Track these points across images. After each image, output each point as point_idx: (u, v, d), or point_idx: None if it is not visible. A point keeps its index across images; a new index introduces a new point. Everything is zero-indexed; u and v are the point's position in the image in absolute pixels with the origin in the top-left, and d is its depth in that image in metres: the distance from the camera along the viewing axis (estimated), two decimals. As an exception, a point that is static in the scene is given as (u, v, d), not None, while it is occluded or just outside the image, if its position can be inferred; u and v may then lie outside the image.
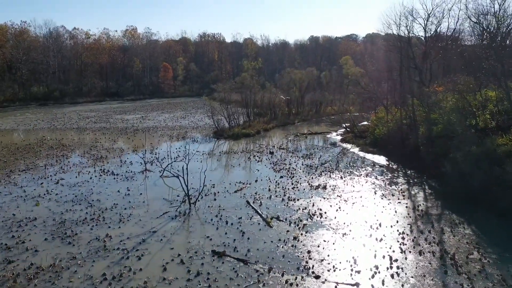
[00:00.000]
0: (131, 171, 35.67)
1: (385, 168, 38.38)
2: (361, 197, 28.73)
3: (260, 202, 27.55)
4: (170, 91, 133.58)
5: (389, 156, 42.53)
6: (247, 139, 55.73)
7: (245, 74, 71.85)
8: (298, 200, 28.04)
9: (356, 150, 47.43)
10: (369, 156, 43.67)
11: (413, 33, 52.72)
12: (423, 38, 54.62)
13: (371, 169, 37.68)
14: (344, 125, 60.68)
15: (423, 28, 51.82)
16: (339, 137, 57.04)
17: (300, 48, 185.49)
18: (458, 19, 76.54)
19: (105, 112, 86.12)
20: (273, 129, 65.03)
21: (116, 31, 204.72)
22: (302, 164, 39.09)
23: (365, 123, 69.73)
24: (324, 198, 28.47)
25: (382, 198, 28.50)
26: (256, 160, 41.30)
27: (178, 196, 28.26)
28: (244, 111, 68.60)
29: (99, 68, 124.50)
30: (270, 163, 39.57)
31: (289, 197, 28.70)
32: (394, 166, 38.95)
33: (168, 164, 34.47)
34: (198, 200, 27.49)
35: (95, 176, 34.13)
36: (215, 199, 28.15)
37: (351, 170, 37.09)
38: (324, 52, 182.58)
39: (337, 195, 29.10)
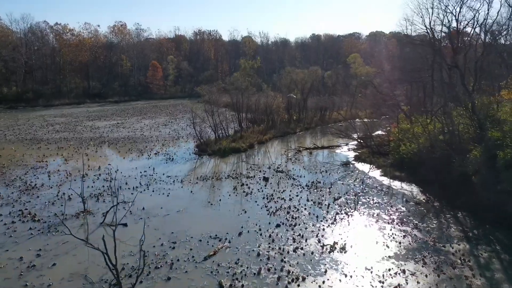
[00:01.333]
0: (63, 213, 24.69)
1: (423, 206, 27.42)
2: (403, 271, 17.86)
3: (242, 285, 16.72)
4: (159, 92, 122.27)
5: (424, 185, 31.58)
6: (237, 155, 44.82)
7: (236, 75, 61.21)
8: (303, 280, 17.19)
9: (376, 174, 36.47)
10: (397, 185, 32.71)
11: (446, 24, 41.87)
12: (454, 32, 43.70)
13: (404, 208, 26.78)
14: (356, 136, 49.65)
15: (455, 18, 40.91)
16: (351, 153, 46.04)
17: (302, 46, 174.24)
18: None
19: (77, 118, 74.96)
20: (270, 140, 54.06)
21: (99, 25, 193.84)
22: (308, 200, 28.15)
23: (380, 132, 58.98)
24: (345, 275, 17.61)
25: (436, 272, 17.71)
26: (244, 191, 30.34)
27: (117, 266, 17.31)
28: (237, 118, 57.68)
29: (79, 66, 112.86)
30: (263, 198, 28.66)
31: (288, 271, 17.88)
32: (436, 204, 27.97)
33: (113, 206, 23.14)
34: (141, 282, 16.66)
35: (3, 225, 23.20)
36: (168, 279, 17.27)
37: (377, 210, 26.18)
38: (327, 51, 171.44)
39: (365, 267, 18.24)
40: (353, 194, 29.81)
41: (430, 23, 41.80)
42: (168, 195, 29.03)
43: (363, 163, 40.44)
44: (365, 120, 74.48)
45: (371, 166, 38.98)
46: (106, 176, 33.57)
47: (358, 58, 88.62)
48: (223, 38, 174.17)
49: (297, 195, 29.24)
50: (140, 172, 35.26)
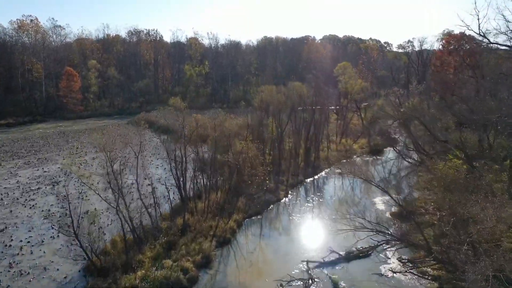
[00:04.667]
0: None
1: None
2: None
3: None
4: (76, 108, 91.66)
5: None
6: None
7: (174, 100, 34.87)
8: None
9: None
10: None
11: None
12: None
13: None
14: (390, 233, 25.69)
15: None
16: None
17: (257, 50, 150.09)
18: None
19: None
20: (240, 228, 28.76)
21: None
22: None
23: (416, 195, 36.17)
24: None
25: None
26: None
27: None
28: (176, 181, 31.62)
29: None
30: None
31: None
32: None
33: None
34: None
35: None
36: None
37: None
38: (286, 55, 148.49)
39: None
40: None
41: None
42: None
43: None
44: (362, 154, 51.86)
45: None
46: None
47: (349, 69, 65.38)
48: (164, 40, 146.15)
49: None
50: None
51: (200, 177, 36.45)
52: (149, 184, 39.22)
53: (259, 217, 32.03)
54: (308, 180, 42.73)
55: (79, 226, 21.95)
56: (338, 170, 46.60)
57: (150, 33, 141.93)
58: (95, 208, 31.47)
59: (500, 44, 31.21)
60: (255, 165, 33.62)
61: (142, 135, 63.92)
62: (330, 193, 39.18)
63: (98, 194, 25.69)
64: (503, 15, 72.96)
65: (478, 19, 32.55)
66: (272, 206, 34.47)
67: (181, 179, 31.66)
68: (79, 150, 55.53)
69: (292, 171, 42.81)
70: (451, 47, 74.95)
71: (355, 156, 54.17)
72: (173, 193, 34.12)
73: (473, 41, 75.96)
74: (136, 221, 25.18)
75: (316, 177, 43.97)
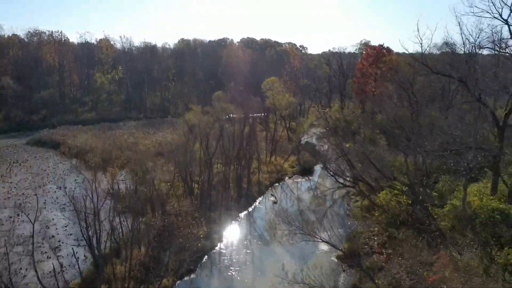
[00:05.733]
0: None
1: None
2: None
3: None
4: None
5: None
6: None
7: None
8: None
9: None
10: None
11: None
12: None
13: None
14: None
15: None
16: None
17: (175, 54, 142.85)
18: None
19: None
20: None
21: None
22: None
23: (357, 226, 34.30)
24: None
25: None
26: None
27: None
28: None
29: None
30: None
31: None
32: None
33: None
34: None
35: None
36: None
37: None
38: (205, 59, 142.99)
39: None
40: None
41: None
42: None
43: None
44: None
45: None
46: None
47: (276, 83, 62.67)
48: (71, 41, 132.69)
49: None
50: None
51: (118, 221, 31.00)
52: (52, 236, 32.61)
53: (192, 276, 27.44)
54: (243, 214, 38.97)
55: None
56: (272, 198, 43.65)
57: (54, 35, 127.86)
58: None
59: (441, 74, 30.43)
60: (186, 221, 28.95)
61: (45, 159, 54.87)
62: (267, 234, 35.57)
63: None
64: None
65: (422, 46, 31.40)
66: (206, 257, 30.08)
67: (94, 234, 25.92)
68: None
69: (224, 204, 38.68)
70: (371, 59, 76.51)
71: (286, 178, 51.73)
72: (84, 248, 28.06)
73: (391, 53, 78.59)
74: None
75: (250, 209, 40.39)
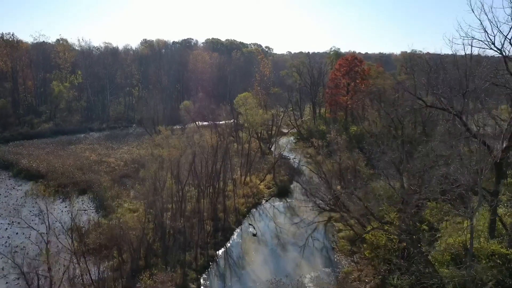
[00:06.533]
0: None
1: None
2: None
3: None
4: None
5: None
6: None
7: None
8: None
9: None
10: None
11: None
12: None
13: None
14: None
15: None
16: None
17: (139, 57, 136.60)
18: None
19: None
20: None
21: None
22: None
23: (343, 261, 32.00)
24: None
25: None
26: None
27: None
28: None
29: None
30: None
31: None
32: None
33: None
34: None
35: None
36: None
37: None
38: (170, 63, 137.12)
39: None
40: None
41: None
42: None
43: None
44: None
45: None
46: None
47: (250, 99, 59.32)
48: (25, 41, 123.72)
49: None
50: None
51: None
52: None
53: None
54: (220, 251, 35.65)
55: None
56: (251, 229, 40.73)
57: (4, 37, 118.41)
58: None
59: (437, 108, 28.50)
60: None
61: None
62: (248, 274, 32.61)
63: None
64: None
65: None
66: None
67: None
68: None
69: (200, 243, 35.31)
70: (343, 69, 75.13)
71: (263, 201, 48.96)
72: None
73: (362, 63, 77.53)
74: None
75: (228, 244, 37.18)
